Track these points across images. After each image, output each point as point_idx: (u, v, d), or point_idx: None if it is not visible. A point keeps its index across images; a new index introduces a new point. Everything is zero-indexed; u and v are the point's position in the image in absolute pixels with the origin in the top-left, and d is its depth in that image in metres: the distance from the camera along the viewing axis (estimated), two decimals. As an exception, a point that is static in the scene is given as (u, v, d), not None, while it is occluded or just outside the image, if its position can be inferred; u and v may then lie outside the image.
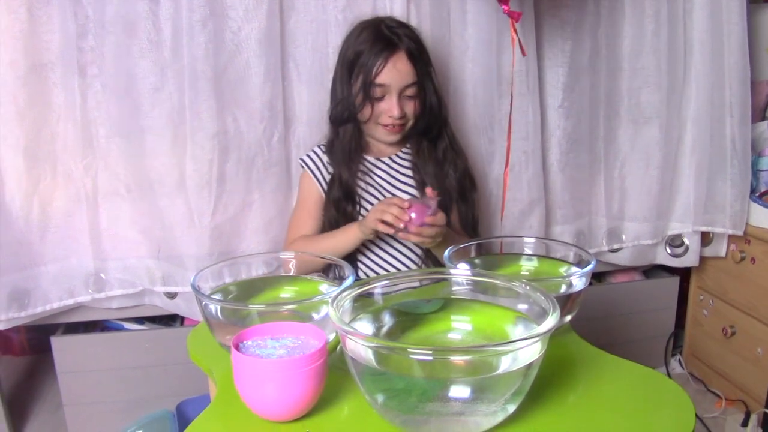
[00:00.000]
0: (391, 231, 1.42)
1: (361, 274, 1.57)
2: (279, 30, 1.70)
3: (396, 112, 1.52)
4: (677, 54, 1.96)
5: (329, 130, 1.62)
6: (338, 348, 1.01)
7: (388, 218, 1.41)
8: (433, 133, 1.61)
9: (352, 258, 1.56)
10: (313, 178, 1.61)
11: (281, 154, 1.76)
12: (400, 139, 1.60)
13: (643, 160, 2.03)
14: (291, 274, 1.24)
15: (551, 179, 1.98)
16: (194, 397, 1.78)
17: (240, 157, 1.72)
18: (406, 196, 1.58)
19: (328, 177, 1.60)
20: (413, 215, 1.40)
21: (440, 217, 1.43)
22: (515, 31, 1.54)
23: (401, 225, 1.40)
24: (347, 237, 1.50)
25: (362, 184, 1.58)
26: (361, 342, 0.82)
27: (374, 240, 1.55)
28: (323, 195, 1.60)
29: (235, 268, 1.21)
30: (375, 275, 1.54)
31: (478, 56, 1.82)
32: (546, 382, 0.94)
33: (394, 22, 1.56)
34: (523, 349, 0.79)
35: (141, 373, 1.83)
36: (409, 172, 1.62)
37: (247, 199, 1.75)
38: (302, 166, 1.63)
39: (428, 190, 1.44)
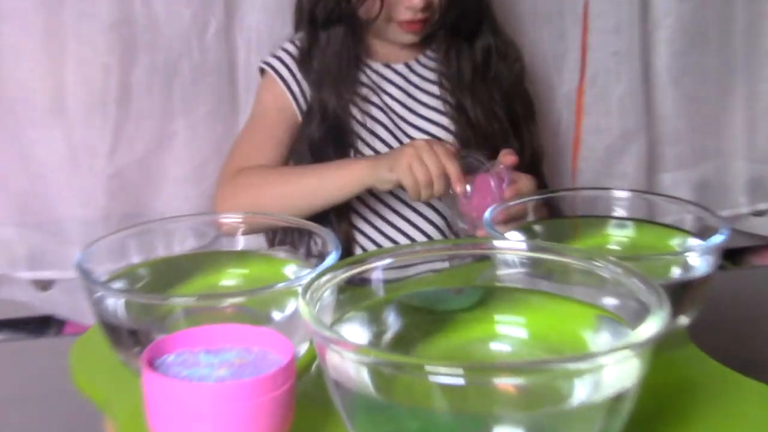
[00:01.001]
0: (419, 196, 1.42)
1: (356, 249, 1.60)
2: None
3: (417, 0, 1.53)
4: None
5: (301, 31, 1.63)
6: (314, 366, 1.02)
7: (420, 175, 1.39)
8: (468, 27, 1.63)
9: (340, 221, 1.58)
10: (285, 89, 1.62)
11: (221, 56, 1.77)
12: (421, 38, 1.62)
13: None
14: (238, 248, 1.25)
15: (658, 97, 1.98)
16: (82, 448, 1.79)
17: (155, 62, 1.73)
18: (437, 130, 1.60)
19: (308, 92, 1.61)
20: (468, 189, 1.40)
21: (525, 183, 1.42)
22: None
23: (434, 189, 1.40)
24: (347, 176, 1.49)
25: (361, 115, 1.61)
26: (351, 356, 0.81)
27: (380, 194, 1.57)
28: (299, 117, 1.62)
29: (147, 240, 1.21)
30: (377, 249, 1.57)
31: None
32: (648, 422, 0.94)
33: None
34: (611, 369, 0.79)
35: (-4, 409, 1.84)
36: (436, 89, 1.65)
37: (165, 130, 1.76)
38: (264, 69, 1.64)
39: (505, 157, 1.42)
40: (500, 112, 1.64)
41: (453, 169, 1.39)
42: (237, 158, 1.61)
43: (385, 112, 1.61)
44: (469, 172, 1.41)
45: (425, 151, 1.41)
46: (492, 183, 1.40)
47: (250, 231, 1.25)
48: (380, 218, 1.59)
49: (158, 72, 1.73)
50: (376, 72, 1.64)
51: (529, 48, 1.84)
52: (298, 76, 1.62)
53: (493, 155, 1.46)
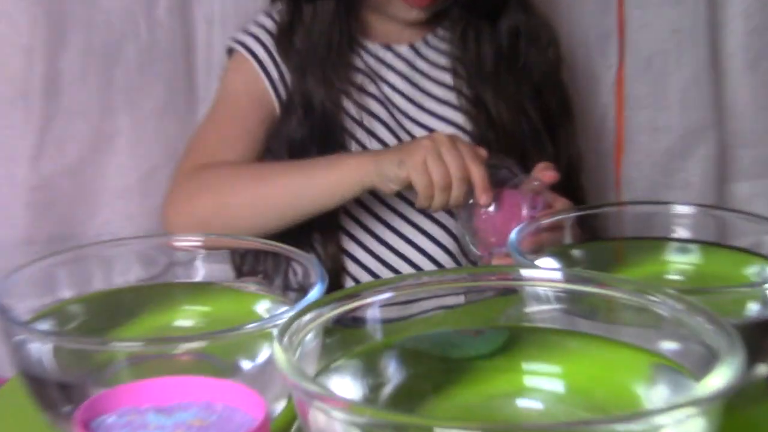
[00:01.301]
0: (430, 202, 1.41)
1: (347, 280, 1.60)
2: None
3: None
4: None
5: (279, 2, 1.65)
6: (293, 429, 1.01)
7: (436, 174, 1.37)
8: (491, 1, 1.65)
9: (327, 244, 1.58)
10: (261, 73, 1.63)
11: (175, 36, 1.79)
12: (430, 15, 1.63)
13: None
14: (197, 279, 1.25)
15: (730, 86, 2.00)
16: None
17: (90, 44, 1.73)
18: (449, 129, 1.61)
19: (289, 78, 1.62)
20: (491, 208, 1.39)
21: (563, 207, 1.41)
22: None
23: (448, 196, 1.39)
24: (343, 172, 1.48)
25: (355, 110, 1.62)
26: (340, 415, 0.79)
27: (377, 210, 1.57)
28: (277, 109, 1.62)
29: (80, 269, 1.22)
30: (373, 280, 1.54)
31: None
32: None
33: None
34: (670, 431, 0.76)
35: None
36: (449, 79, 1.66)
37: (104, 129, 1.77)
38: (234, 49, 1.66)
39: (543, 172, 1.42)
40: (530, 109, 1.64)
41: (478, 173, 1.38)
42: (197, 154, 1.61)
43: (384, 106, 1.62)
44: (495, 184, 1.40)
45: (446, 147, 1.39)
46: (522, 202, 1.39)
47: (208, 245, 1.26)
48: (377, 240, 1.59)
49: (95, 56, 1.74)
50: (374, 55, 1.65)
51: (566, 27, 1.86)
52: (278, 57, 1.62)
53: (520, 163, 1.46)
